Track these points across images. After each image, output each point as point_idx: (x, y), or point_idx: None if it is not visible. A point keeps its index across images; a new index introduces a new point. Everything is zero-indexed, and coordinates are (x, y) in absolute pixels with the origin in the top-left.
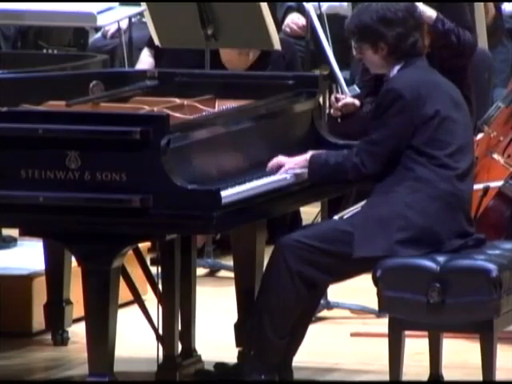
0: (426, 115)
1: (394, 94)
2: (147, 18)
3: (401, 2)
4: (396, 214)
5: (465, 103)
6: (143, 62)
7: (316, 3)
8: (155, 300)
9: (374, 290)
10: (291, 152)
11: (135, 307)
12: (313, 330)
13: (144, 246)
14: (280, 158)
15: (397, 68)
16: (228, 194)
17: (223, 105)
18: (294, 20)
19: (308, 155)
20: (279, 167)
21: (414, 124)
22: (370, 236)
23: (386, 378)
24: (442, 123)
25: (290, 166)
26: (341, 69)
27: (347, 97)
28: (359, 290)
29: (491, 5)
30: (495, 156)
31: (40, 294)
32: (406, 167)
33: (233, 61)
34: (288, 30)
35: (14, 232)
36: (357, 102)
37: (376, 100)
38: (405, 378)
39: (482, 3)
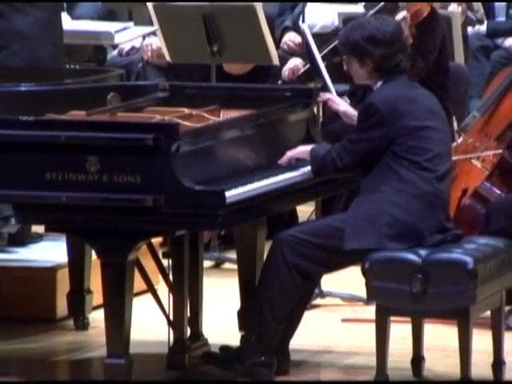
0: (402, 128)
1: (372, 108)
2: (159, 37)
3: (390, 24)
4: (383, 211)
5: (443, 112)
6: None
7: (310, 23)
8: (166, 289)
9: (363, 280)
10: None
11: (148, 296)
12: (308, 316)
13: (156, 241)
14: (288, 152)
15: (380, 83)
16: (232, 194)
17: (227, 114)
18: (291, 38)
19: (309, 147)
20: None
21: (390, 136)
22: (360, 231)
23: (374, 359)
24: (421, 133)
25: (292, 155)
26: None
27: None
28: (349, 280)
29: None
30: (472, 161)
31: (63, 284)
32: (391, 170)
33: (233, 67)
34: (285, 47)
35: (40, 228)
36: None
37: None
38: (390, 359)
39: (459, 19)
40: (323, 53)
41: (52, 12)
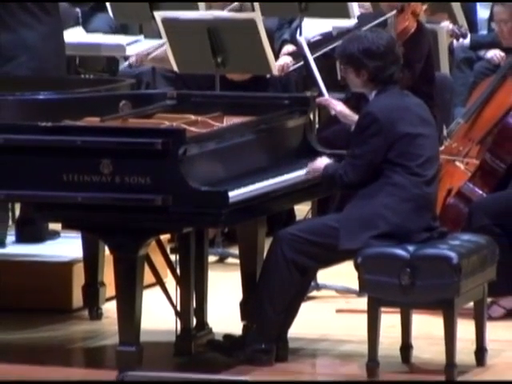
0: (398, 134)
1: (371, 118)
2: (167, 49)
3: (384, 38)
4: (376, 214)
5: (433, 119)
6: None
7: (306, 36)
8: (174, 282)
9: (355, 273)
10: (286, 160)
11: (157, 288)
12: (304, 307)
13: (165, 237)
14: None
15: (374, 92)
16: (234, 194)
17: (230, 121)
18: (289, 50)
19: (324, 163)
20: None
21: (388, 142)
22: (354, 232)
23: (366, 346)
24: (413, 139)
25: (311, 168)
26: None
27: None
28: (343, 273)
29: None
30: (457, 163)
31: (79, 278)
32: (384, 175)
33: (234, 75)
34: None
35: (57, 226)
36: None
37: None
38: (381, 346)
39: (445, 31)
40: (315, 55)
41: (56, 26)
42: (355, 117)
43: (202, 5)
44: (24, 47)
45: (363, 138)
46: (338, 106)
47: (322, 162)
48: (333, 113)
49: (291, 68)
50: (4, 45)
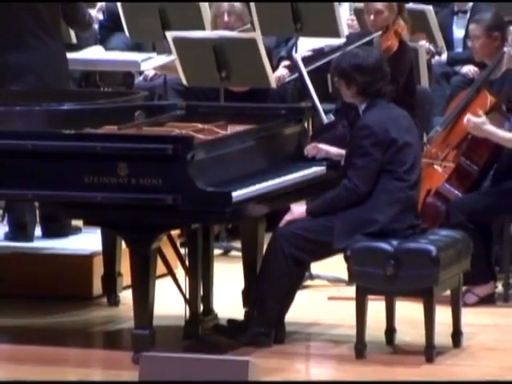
0: (390, 143)
1: (369, 130)
2: (177, 65)
3: (373, 55)
4: (366, 216)
5: (415, 128)
6: None
7: (302, 54)
8: (183, 273)
9: (345, 265)
10: (283, 163)
11: (168, 278)
12: (299, 295)
13: (175, 232)
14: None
15: (364, 105)
16: (237, 194)
17: (233, 128)
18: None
19: (304, 208)
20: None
21: (383, 150)
22: (348, 233)
23: (354, 330)
24: (401, 148)
25: (289, 218)
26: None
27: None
28: (334, 265)
29: None
30: (435, 166)
31: (98, 268)
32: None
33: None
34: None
35: (79, 222)
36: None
37: (352, 132)
38: (368, 330)
39: (425, 50)
40: (309, 68)
41: (58, 48)
42: (342, 151)
43: (207, 25)
44: (31, 67)
45: (363, 149)
46: (330, 150)
47: (296, 210)
48: (322, 154)
49: (287, 79)
50: (13, 65)
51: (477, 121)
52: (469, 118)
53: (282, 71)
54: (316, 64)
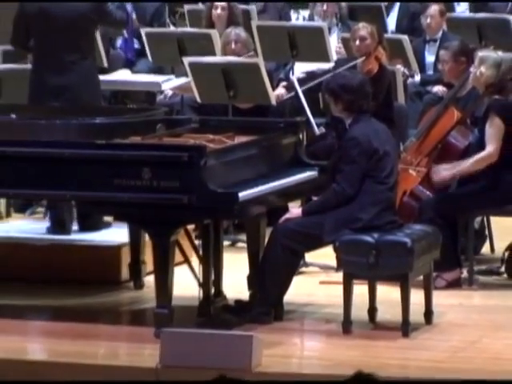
0: (373, 152)
1: (355, 141)
2: (192, 85)
3: (358, 78)
4: (352, 214)
5: (393, 139)
6: None
7: (297, 76)
8: (197, 261)
9: (334, 254)
10: (282, 169)
11: (185, 266)
12: (296, 280)
13: (190, 227)
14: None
15: (349, 119)
16: (243, 194)
17: (239, 139)
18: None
19: (299, 210)
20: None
21: (367, 159)
22: (336, 228)
23: (342, 309)
24: (382, 156)
25: (287, 216)
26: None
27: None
28: (325, 254)
29: None
30: (410, 171)
31: (126, 257)
32: (360, 184)
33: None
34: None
35: (109, 219)
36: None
37: (340, 142)
38: (353, 309)
39: (401, 72)
40: (304, 87)
41: (91, 68)
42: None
43: (218, 52)
44: (68, 87)
45: (350, 158)
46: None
47: (293, 211)
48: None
49: (285, 97)
50: (53, 85)
51: (439, 174)
52: (434, 179)
53: (280, 90)
54: (309, 85)
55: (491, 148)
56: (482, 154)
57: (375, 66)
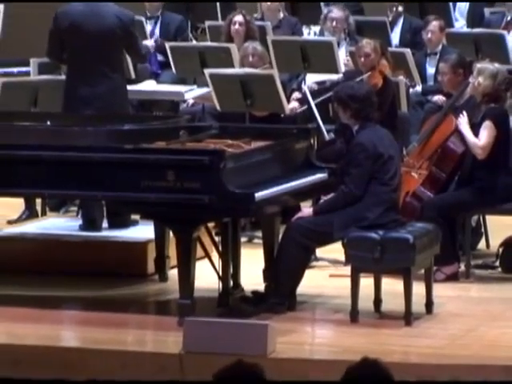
0: (378, 157)
1: (362, 147)
2: (213, 95)
3: (364, 88)
4: (359, 213)
5: (396, 144)
6: None
7: (309, 85)
8: (217, 256)
9: (343, 250)
10: (294, 171)
11: (206, 260)
12: (307, 273)
13: (211, 224)
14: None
15: (356, 126)
16: (259, 195)
17: (256, 144)
18: (296, 95)
19: (311, 209)
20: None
21: (372, 162)
22: (345, 226)
23: (350, 300)
24: (386, 160)
25: (300, 215)
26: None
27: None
28: (334, 250)
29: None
30: (412, 174)
31: (152, 252)
32: (366, 186)
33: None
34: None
35: (137, 217)
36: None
37: (348, 147)
38: (360, 301)
39: (403, 83)
40: (316, 101)
41: (120, 80)
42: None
43: (236, 64)
44: (99, 96)
45: (357, 162)
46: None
47: (305, 210)
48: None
49: (298, 111)
50: (86, 95)
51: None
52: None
53: (294, 104)
54: (321, 98)
55: (482, 143)
56: (478, 142)
57: (380, 80)
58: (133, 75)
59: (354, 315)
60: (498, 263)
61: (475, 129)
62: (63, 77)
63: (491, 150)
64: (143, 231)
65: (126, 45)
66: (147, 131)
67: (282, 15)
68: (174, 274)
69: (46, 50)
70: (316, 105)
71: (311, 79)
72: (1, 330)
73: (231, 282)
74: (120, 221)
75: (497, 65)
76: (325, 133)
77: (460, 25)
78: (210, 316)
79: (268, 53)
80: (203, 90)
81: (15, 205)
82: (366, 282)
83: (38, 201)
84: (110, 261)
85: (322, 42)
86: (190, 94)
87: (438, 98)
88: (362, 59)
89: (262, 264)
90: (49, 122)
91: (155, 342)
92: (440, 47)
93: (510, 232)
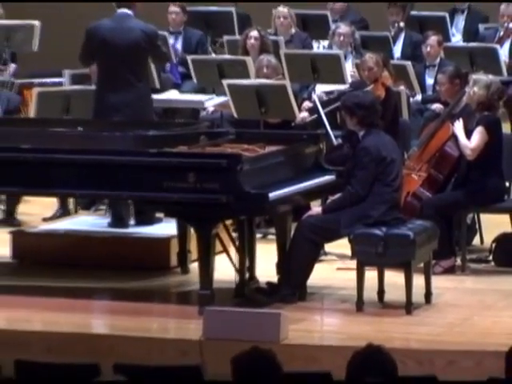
0: (381, 160)
1: (367, 151)
2: (230, 103)
3: (369, 97)
4: (364, 211)
5: (398, 148)
6: None
7: (318, 94)
8: (234, 250)
9: (349, 245)
10: (305, 173)
11: (224, 254)
12: (316, 266)
13: (228, 222)
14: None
15: (362, 132)
16: (273, 195)
17: (269, 148)
18: (307, 104)
19: (320, 208)
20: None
21: (376, 165)
22: (350, 223)
23: (355, 291)
24: (389, 163)
25: (310, 214)
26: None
27: None
28: (341, 245)
29: None
30: (413, 175)
31: (175, 247)
32: (371, 187)
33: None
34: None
35: (161, 215)
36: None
37: (354, 151)
38: (365, 292)
39: (405, 94)
40: (326, 110)
41: (145, 89)
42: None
43: (252, 75)
44: (126, 104)
45: (362, 164)
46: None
47: (315, 209)
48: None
49: (307, 120)
50: (113, 103)
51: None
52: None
53: (304, 114)
54: (330, 107)
55: (472, 145)
56: (469, 144)
57: (382, 92)
58: (157, 85)
59: (360, 305)
60: (491, 257)
61: (470, 134)
62: (93, 87)
63: (484, 154)
64: (166, 228)
65: (151, 55)
66: (170, 136)
67: (293, 31)
68: (194, 267)
69: (79, 55)
70: (325, 113)
71: (320, 89)
72: (37, 319)
73: (247, 275)
74: (145, 218)
75: (491, 76)
76: (333, 138)
77: (456, 39)
78: (228, 305)
79: (281, 65)
80: (221, 99)
81: (50, 204)
82: (371, 275)
83: (71, 200)
84: (136, 255)
85: (331, 55)
86: (210, 102)
87: (437, 107)
88: (366, 73)
89: (275, 258)
90: (80, 128)
91: (177, 329)
92: (438, 60)
93: (502, 229)
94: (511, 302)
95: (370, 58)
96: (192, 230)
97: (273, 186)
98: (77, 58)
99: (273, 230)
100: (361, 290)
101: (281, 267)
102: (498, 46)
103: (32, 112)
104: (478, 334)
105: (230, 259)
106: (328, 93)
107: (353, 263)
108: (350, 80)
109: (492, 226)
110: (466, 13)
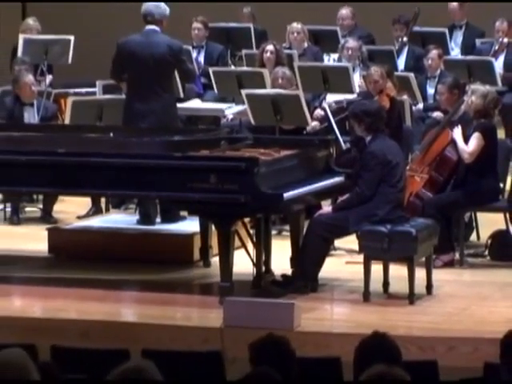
0: (387, 163)
1: (373, 155)
2: (248, 111)
3: (375, 105)
4: (371, 210)
5: (402, 152)
6: None
7: (329, 102)
8: (252, 246)
9: (357, 241)
10: (316, 175)
11: (242, 250)
12: (327, 261)
13: (246, 220)
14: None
15: (369, 137)
16: (287, 195)
17: (284, 153)
18: (318, 112)
19: (330, 207)
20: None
21: (382, 168)
22: (358, 221)
23: (363, 283)
24: (393, 166)
25: (321, 212)
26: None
27: None
28: (350, 241)
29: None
30: (415, 177)
31: (197, 243)
32: (377, 188)
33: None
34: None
35: (185, 213)
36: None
37: (361, 155)
38: (371, 283)
39: (408, 103)
40: (337, 118)
41: (170, 99)
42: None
43: (268, 85)
44: (152, 112)
45: (369, 167)
46: (325, 208)
47: (325, 208)
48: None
49: (318, 128)
50: (141, 110)
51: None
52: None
53: (315, 123)
54: (340, 116)
55: (470, 149)
56: (466, 148)
57: (387, 103)
58: (182, 94)
59: (366, 295)
60: (486, 252)
61: (467, 140)
62: (123, 96)
63: (480, 157)
64: (190, 225)
65: (177, 69)
66: (193, 141)
67: (306, 45)
68: (215, 261)
69: (110, 71)
70: (335, 120)
71: (331, 98)
72: (72, 308)
73: (263, 268)
74: (171, 216)
75: (487, 86)
76: (342, 143)
77: (455, 53)
78: (246, 296)
79: (294, 76)
80: (240, 108)
81: (83, 203)
82: (376, 268)
83: (103, 199)
84: (162, 250)
85: (340, 67)
86: (229, 110)
87: (437, 114)
88: (372, 85)
89: (289, 253)
90: (112, 134)
91: (200, 318)
92: (438, 72)
93: (497, 226)
94: (506, 293)
95: (375, 71)
96: (213, 227)
97: (287, 187)
98: (108, 69)
99: (287, 227)
100: (367, 282)
101: (294, 261)
102: (493, 59)
103: (67, 119)
104: (476, 323)
105: (248, 254)
106: (338, 102)
107: (360, 257)
108: (357, 90)
109: (488, 223)
110: (463, 29)
